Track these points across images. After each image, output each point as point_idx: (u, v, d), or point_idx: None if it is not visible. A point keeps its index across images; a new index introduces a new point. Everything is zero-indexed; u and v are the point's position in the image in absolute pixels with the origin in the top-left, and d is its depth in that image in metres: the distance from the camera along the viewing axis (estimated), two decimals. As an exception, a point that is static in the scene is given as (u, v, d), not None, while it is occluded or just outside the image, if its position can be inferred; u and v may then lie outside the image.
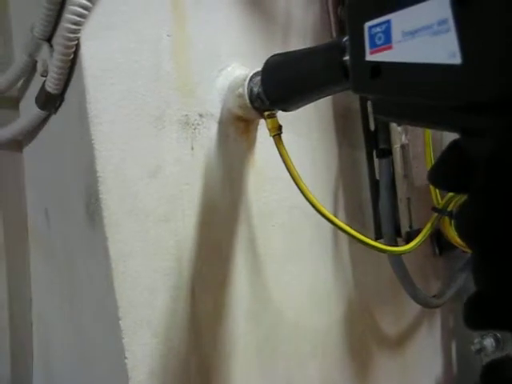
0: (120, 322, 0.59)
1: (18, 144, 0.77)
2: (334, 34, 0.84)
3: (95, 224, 0.60)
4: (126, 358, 0.60)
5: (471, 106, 0.30)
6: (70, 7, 0.56)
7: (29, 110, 0.68)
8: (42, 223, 0.74)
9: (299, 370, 0.79)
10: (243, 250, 0.71)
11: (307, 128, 0.80)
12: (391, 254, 0.83)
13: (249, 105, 0.66)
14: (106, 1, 0.59)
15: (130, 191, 0.60)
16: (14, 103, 0.75)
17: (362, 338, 0.91)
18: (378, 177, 0.85)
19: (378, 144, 0.83)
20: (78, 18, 0.56)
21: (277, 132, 0.66)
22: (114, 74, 0.60)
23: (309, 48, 0.54)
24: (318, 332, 0.82)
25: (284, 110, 0.63)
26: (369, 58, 0.36)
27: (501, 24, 0.28)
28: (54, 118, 0.67)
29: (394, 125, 0.82)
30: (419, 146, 0.85)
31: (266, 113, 0.66)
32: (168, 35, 0.65)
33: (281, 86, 0.58)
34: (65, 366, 0.75)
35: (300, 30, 0.81)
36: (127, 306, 0.60)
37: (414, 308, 0.96)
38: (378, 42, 0.35)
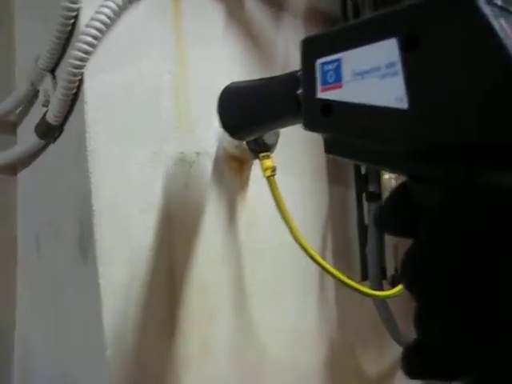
0: (106, 352, 0.60)
1: (12, 168, 0.77)
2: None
3: (87, 257, 0.61)
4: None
5: (415, 153, 0.31)
6: (77, 44, 0.57)
7: (27, 137, 0.69)
8: (32, 250, 0.74)
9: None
10: (231, 286, 0.72)
11: (300, 169, 0.82)
12: (377, 298, 0.84)
13: (244, 146, 0.67)
14: (110, 38, 0.60)
15: (124, 226, 0.61)
16: (11, 128, 0.76)
17: (345, 379, 0.91)
18: (366, 219, 0.86)
19: (367, 187, 0.84)
20: (83, 55, 0.57)
21: (271, 173, 0.67)
22: (115, 109, 0.61)
23: (267, 78, 0.52)
24: (300, 371, 0.82)
25: (238, 138, 0.63)
26: (320, 95, 0.36)
27: (447, 71, 0.28)
28: (52, 148, 0.68)
29: (384, 169, 0.83)
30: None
31: (261, 154, 0.67)
32: (169, 72, 0.66)
33: (236, 114, 0.56)
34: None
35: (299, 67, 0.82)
36: (115, 342, 0.60)
37: (398, 349, 0.96)
38: (329, 80, 0.35)
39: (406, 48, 0.30)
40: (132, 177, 0.62)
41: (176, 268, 0.66)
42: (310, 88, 0.37)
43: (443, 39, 0.28)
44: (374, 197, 0.84)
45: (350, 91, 0.33)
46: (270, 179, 0.67)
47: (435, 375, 0.30)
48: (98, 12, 0.58)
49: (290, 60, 0.82)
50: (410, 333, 0.89)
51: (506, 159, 0.27)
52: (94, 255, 0.59)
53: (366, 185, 0.85)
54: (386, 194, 0.83)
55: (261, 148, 0.67)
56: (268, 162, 0.67)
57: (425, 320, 0.30)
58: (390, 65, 0.31)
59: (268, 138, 0.67)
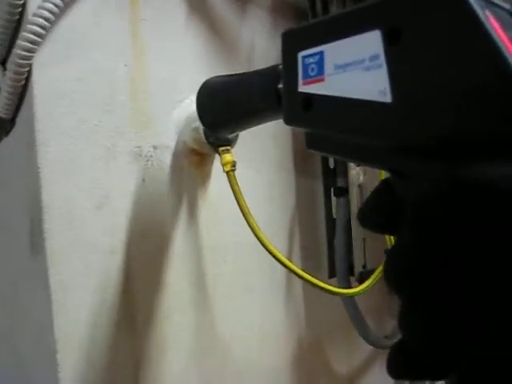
0: (57, 355, 0.58)
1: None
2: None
3: (38, 253, 0.59)
4: (61, 394, 0.58)
5: (398, 148, 0.30)
6: (24, 34, 0.55)
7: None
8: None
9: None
10: (192, 284, 0.70)
11: (266, 164, 0.80)
12: (344, 296, 0.83)
13: (204, 139, 0.66)
14: (61, 29, 0.58)
15: (76, 222, 0.59)
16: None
17: (313, 378, 0.90)
18: (334, 215, 0.85)
19: (336, 182, 0.83)
20: (31, 45, 0.55)
21: (231, 168, 0.65)
22: (66, 102, 0.59)
23: (246, 73, 0.52)
24: (266, 371, 0.81)
25: (218, 134, 0.62)
26: (301, 89, 0.35)
27: (431, 64, 0.28)
28: (4, 142, 0.66)
29: (352, 164, 0.82)
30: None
31: (221, 148, 0.65)
32: (125, 65, 0.64)
33: (216, 110, 0.56)
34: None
35: (264, 61, 0.80)
36: (65, 340, 0.58)
37: (367, 347, 0.95)
38: (311, 74, 0.35)
39: (389, 41, 0.29)
40: (84, 173, 0.60)
41: (133, 266, 0.64)
42: (291, 82, 0.36)
43: (427, 31, 0.28)
44: (342, 192, 0.82)
45: (333, 85, 0.33)
46: (230, 174, 0.65)
47: (420, 375, 0.30)
48: (45, 0, 0.56)
49: (255, 53, 0.80)
50: (379, 330, 0.89)
51: (490, 152, 0.26)
52: (44, 252, 0.57)
53: (333, 179, 0.83)
54: (353, 189, 0.82)
55: (220, 142, 0.65)
56: (228, 157, 0.65)
57: (409, 319, 0.29)
58: (374, 57, 0.30)
59: (228, 131, 0.66)
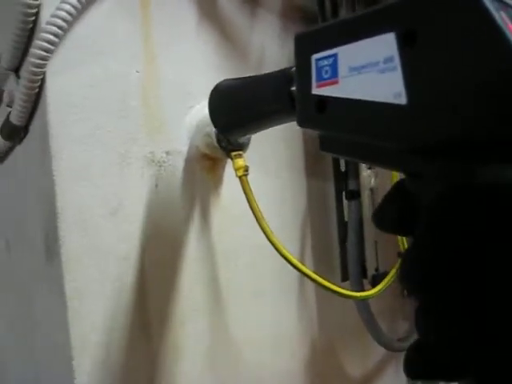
0: (73, 362, 0.58)
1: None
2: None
3: (53, 260, 0.59)
4: (78, 399, 0.58)
5: (413, 150, 0.30)
6: (37, 42, 0.56)
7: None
8: (2, 251, 0.73)
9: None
10: (205, 288, 0.70)
11: (277, 167, 0.80)
12: (357, 299, 0.82)
13: (216, 144, 0.66)
14: (74, 36, 0.59)
15: (90, 228, 0.60)
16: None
17: (326, 381, 0.90)
18: (346, 218, 0.85)
19: (347, 185, 0.83)
20: (44, 53, 0.56)
21: (243, 173, 0.65)
22: (79, 109, 0.59)
23: (259, 75, 0.52)
24: (280, 374, 0.81)
25: (231, 137, 0.62)
26: (315, 91, 0.35)
27: (447, 65, 0.27)
28: (18, 149, 0.66)
29: (363, 167, 0.82)
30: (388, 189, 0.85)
31: (233, 153, 0.66)
32: (137, 71, 0.65)
33: (228, 113, 0.55)
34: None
35: (274, 66, 0.80)
36: (81, 346, 0.58)
37: (381, 349, 0.95)
38: (325, 76, 0.34)
39: (404, 43, 0.29)
40: (98, 179, 0.60)
41: (147, 272, 0.64)
42: (305, 84, 0.36)
43: (442, 33, 0.28)
44: (354, 195, 0.82)
45: (347, 87, 0.33)
46: (242, 179, 0.65)
47: (436, 376, 0.30)
48: (58, 8, 0.56)
49: (265, 57, 0.80)
50: (392, 333, 0.88)
51: (504, 154, 0.26)
52: (59, 259, 0.57)
53: (345, 182, 0.83)
54: (364, 192, 0.82)
55: (233, 147, 0.66)
56: (240, 162, 0.65)
57: (425, 321, 0.29)
58: (388, 59, 0.30)
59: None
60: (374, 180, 0.83)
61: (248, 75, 0.77)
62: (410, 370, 0.30)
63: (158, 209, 0.66)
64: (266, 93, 0.48)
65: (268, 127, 0.55)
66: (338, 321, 0.90)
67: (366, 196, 0.82)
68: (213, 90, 0.56)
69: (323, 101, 0.35)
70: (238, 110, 0.53)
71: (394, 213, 0.34)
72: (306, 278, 0.72)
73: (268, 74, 0.49)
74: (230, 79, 0.56)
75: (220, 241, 0.72)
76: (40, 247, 0.62)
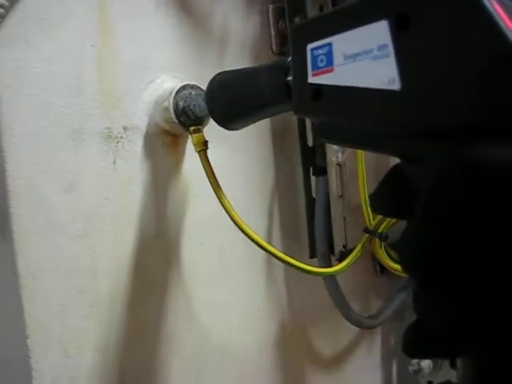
0: (28, 340, 0.57)
1: None
2: (275, 48, 0.83)
3: (5, 238, 0.58)
4: (32, 377, 0.58)
5: (409, 134, 0.31)
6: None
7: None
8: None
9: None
10: (167, 267, 0.69)
11: (243, 143, 0.79)
12: (323, 275, 0.82)
13: (174, 119, 0.65)
14: (22, 10, 0.57)
15: (43, 206, 0.58)
16: None
17: (296, 360, 0.89)
18: (314, 195, 0.84)
19: (314, 161, 0.82)
20: (-12, 26, 0.54)
21: (202, 147, 0.64)
22: (30, 84, 0.58)
23: (254, 67, 0.54)
24: (247, 355, 0.80)
25: (229, 129, 0.62)
26: (311, 80, 0.37)
27: (440, 50, 0.28)
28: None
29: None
30: (355, 165, 0.84)
31: (192, 128, 0.65)
32: (92, 45, 0.63)
33: (226, 105, 0.57)
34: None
35: (238, 42, 0.79)
36: (36, 325, 0.58)
37: (353, 328, 0.95)
38: (320, 65, 0.36)
39: (397, 28, 0.30)
40: (51, 155, 0.59)
41: (103, 249, 0.63)
42: (301, 74, 0.38)
43: (435, 18, 0.28)
44: (321, 171, 0.81)
45: (342, 74, 0.34)
46: (201, 154, 0.64)
47: (435, 354, 0.33)
48: (2, -21, 0.55)
49: (228, 34, 0.78)
50: (364, 311, 0.88)
51: (500, 134, 0.26)
52: (11, 236, 0.56)
53: (312, 158, 0.82)
54: (331, 168, 0.81)
55: (191, 122, 0.64)
56: (199, 137, 0.64)
57: (423, 300, 0.30)
58: (382, 47, 0.31)
59: (199, 110, 0.65)
60: (342, 156, 0.82)
61: (210, 51, 0.76)
62: (409, 349, 0.31)
63: (117, 185, 0.64)
64: (262, 84, 0.50)
65: (265, 117, 0.57)
66: (307, 299, 0.90)
67: (333, 172, 0.81)
68: (210, 83, 0.57)
69: (319, 89, 0.36)
70: (235, 102, 0.55)
71: (391, 196, 0.35)
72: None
73: (264, 65, 0.51)
74: (226, 71, 0.57)
75: (182, 219, 0.71)
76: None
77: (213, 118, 0.57)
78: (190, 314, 0.72)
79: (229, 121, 0.57)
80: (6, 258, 0.58)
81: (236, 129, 0.60)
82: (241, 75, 0.55)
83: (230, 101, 0.55)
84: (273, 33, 0.83)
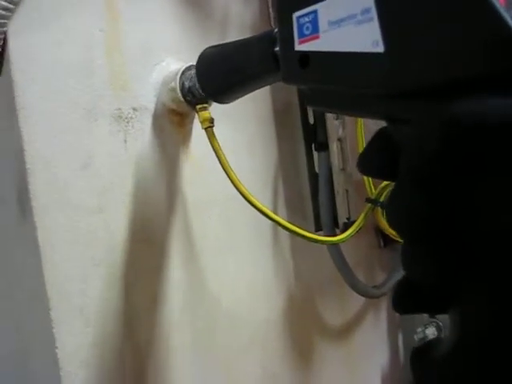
0: (50, 312, 0.60)
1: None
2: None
3: (26, 213, 0.61)
4: (56, 347, 0.61)
5: (394, 94, 0.31)
6: (-3, 1, 0.57)
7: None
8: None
9: (238, 362, 0.80)
10: (178, 241, 0.72)
11: (245, 121, 0.81)
12: (328, 244, 0.85)
13: (181, 98, 0.67)
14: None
15: (60, 183, 0.61)
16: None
17: (304, 330, 0.92)
18: (317, 170, 0.87)
19: (316, 137, 0.85)
20: (3, 12, 0.57)
21: (208, 125, 0.67)
22: (44, 68, 0.61)
23: (242, 39, 0.55)
24: (256, 324, 0.83)
25: (220, 102, 0.64)
26: (298, 47, 0.37)
27: (420, 11, 0.29)
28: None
29: (331, 118, 0.84)
30: (356, 138, 0.87)
31: (198, 106, 0.67)
32: (100, 30, 0.66)
33: (216, 78, 0.58)
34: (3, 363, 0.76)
35: (238, 24, 0.82)
36: (57, 296, 0.60)
37: (360, 299, 0.98)
38: (306, 32, 0.36)
39: None
40: (66, 135, 0.62)
41: (117, 224, 0.66)
42: (288, 42, 0.38)
43: None
44: (323, 146, 0.84)
45: (327, 40, 0.35)
46: (208, 130, 0.67)
47: (422, 309, 0.32)
48: (16, -32, 0.57)
49: (229, 13, 0.81)
50: (369, 281, 0.91)
51: (482, 89, 0.27)
52: (31, 212, 0.59)
53: (314, 134, 0.85)
54: (332, 143, 0.84)
55: (197, 100, 0.67)
56: (205, 114, 0.67)
57: (411, 257, 0.31)
58: (365, 11, 0.31)
59: (204, 89, 0.67)
60: (342, 130, 0.85)
61: (212, 34, 0.79)
62: (398, 305, 0.33)
63: (128, 163, 0.67)
64: (251, 55, 0.51)
65: (256, 89, 0.58)
66: (314, 270, 0.92)
67: (334, 146, 0.84)
68: (199, 58, 0.58)
69: (306, 56, 0.37)
70: (225, 75, 0.56)
71: (377, 158, 0.35)
72: (280, 229, 0.74)
73: (252, 37, 0.52)
74: (215, 45, 0.58)
75: (191, 194, 0.74)
76: (13, 201, 0.63)
77: (204, 92, 0.58)
78: (202, 284, 0.75)
79: (220, 94, 0.58)
80: (27, 232, 0.61)
81: (227, 102, 0.62)
82: (229, 48, 0.56)
83: (220, 75, 0.57)
84: (272, 14, 0.86)
